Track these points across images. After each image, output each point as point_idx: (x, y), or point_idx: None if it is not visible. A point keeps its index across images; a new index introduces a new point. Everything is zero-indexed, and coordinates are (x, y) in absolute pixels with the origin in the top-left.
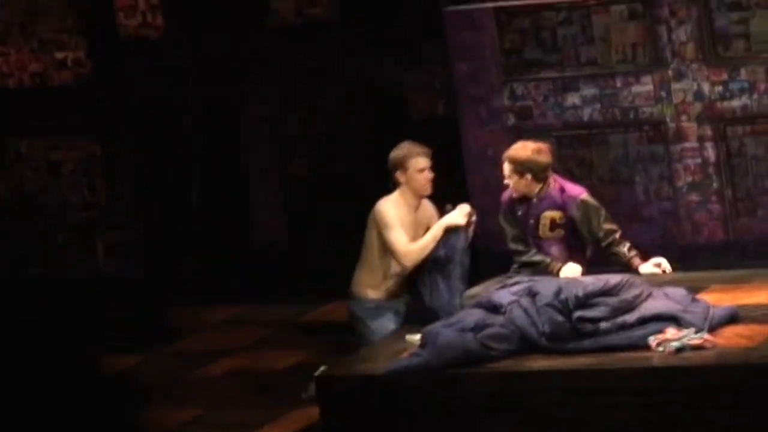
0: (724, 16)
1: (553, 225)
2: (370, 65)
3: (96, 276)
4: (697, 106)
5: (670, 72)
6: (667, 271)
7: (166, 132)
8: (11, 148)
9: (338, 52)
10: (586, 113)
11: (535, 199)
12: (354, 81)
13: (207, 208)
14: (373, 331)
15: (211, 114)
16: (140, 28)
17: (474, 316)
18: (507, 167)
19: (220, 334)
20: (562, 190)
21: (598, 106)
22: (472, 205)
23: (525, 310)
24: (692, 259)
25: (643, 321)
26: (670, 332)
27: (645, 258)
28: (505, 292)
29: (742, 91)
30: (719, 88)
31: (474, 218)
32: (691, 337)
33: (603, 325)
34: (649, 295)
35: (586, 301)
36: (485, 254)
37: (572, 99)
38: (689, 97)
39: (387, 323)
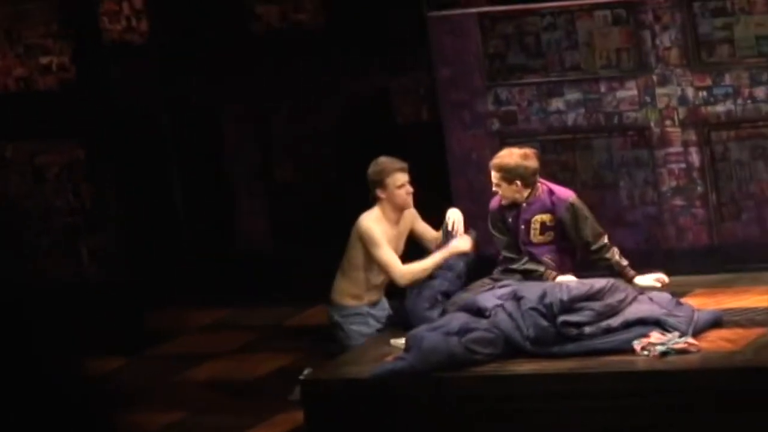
0: (708, 21)
1: (544, 228)
2: (355, 71)
3: (80, 280)
4: (682, 111)
5: (654, 77)
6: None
7: (150, 137)
8: None
9: (323, 57)
10: (570, 118)
11: (524, 205)
12: (339, 86)
13: (191, 213)
14: (352, 337)
15: (196, 119)
16: (124, 33)
17: (459, 320)
18: (495, 175)
19: (204, 337)
20: (551, 192)
21: (582, 111)
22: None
23: (510, 315)
24: (676, 263)
25: (628, 325)
26: (655, 336)
27: (631, 264)
28: (490, 295)
29: (726, 96)
30: (703, 93)
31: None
32: (675, 341)
33: (587, 329)
34: (634, 299)
35: (571, 305)
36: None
37: (556, 104)
38: (673, 102)
39: (367, 329)
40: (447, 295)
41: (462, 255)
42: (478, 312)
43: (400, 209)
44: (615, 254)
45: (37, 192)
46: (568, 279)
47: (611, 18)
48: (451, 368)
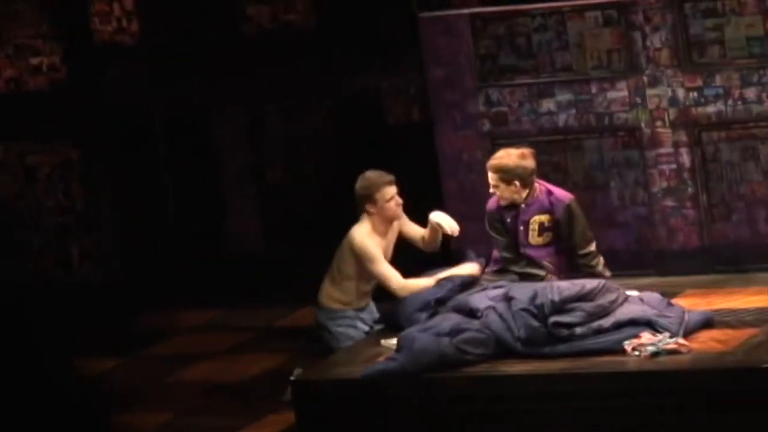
0: (698, 22)
1: (542, 229)
2: (346, 71)
3: (71, 280)
4: (672, 112)
5: (645, 78)
6: None
7: (141, 137)
8: None
9: (314, 58)
10: (561, 119)
11: (523, 205)
12: (330, 87)
13: (183, 214)
14: (339, 339)
15: (187, 120)
16: (115, 34)
17: (450, 320)
18: (493, 177)
19: (196, 338)
20: (550, 193)
21: (573, 111)
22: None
23: (500, 315)
24: (667, 264)
25: (619, 326)
26: (646, 337)
27: (622, 264)
28: (483, 296)
29: (716, 97)
30: (694, 94)
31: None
32: (666, 341)
33: (578, 329)
34: (625, 300)
35: (562, 306)
36: (460, 258)
37: (547, 105)
38: (664, 103)
39: (354, 331)
40: (440, 302)
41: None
42: (470, 313)
43: (390, 221)
44: (599, 264)
45: (28, 192)
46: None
47: (602, 19)
48: (442, 369)
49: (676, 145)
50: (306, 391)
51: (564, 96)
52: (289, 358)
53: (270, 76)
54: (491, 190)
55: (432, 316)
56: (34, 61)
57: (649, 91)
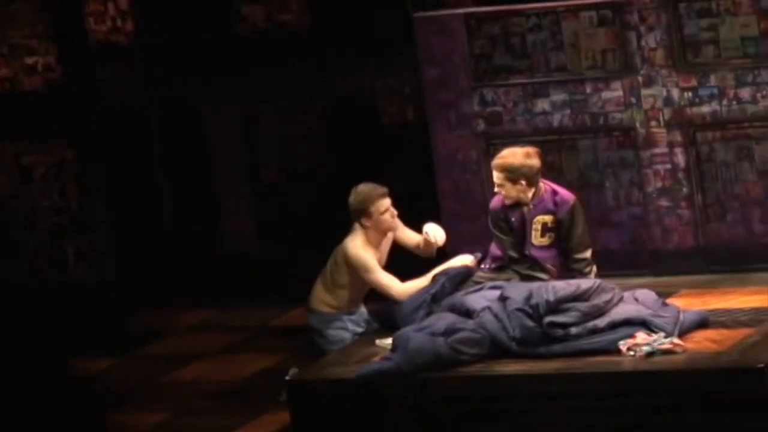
0: (693, 22)
1: (545, 229)
2: (340, 71)
3: (66, 280)
4: (667, 112)
5: (639, 78)
6: None
7: (136, 137)
8: None
9: (309, 58)
10: (555, 119)
11: (531, 205)
12: (324, 87)
13: (178, 214)
14: (331, 341)
15: (182, 119)
16: (110, 34)
17: (445, 320)
18: (498, 176)
19: (191, 338)
20: (555, 193)
21: (567, 111)
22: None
23: (496, 315)
24: (662, 264)
25: (614, 325)
26: (641, 337)
27: (617, 264)
28: (479, 296)
29: (711, 97)
30: (689, 94)
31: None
32: (661, 341)
33: (573, 329)
34: (620, 300)
35: (557, 306)
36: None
37: (542, 105)
38: (659, 103)
39: (346, 333)
40: (436, 298)
41: (462, 266)
42: (465, 312)
43: (385, 233)
44: (592, 273)
45: (23, 192)
46: None
47: (597, 19)
48: (437, 369)
49: (671, 145)
50: (301, 390)
51: (559, 96)
52: (284, 358)
53: (264, 75)
54: (496, 189)
55: (428, 315)
56: (29, 60)
57: (644, 91)
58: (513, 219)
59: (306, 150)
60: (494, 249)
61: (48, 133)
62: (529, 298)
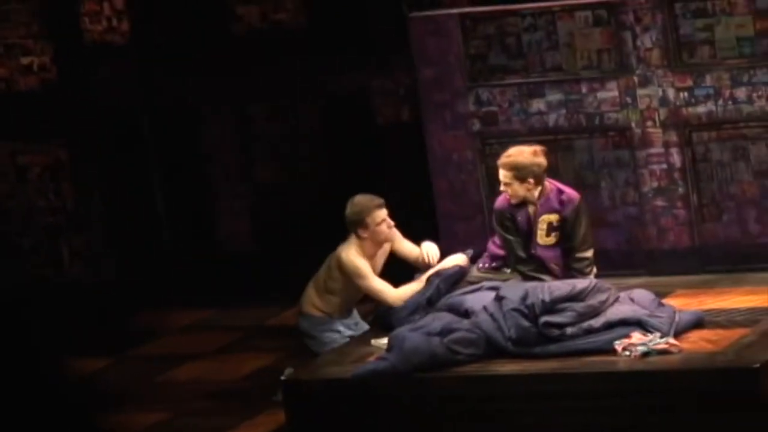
0: (689, 22)
1: (550, 229)
2: (335, 71)
3: (62, 280)
4: (663, 112)
5: (635, 78)
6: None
7: (132, 137)
8: None
9: (304, 57)
10: (551, 119)
11: (537, 204)
12: (319, 87)
13: (173, 214)
14: (323, 343)
15: (177, 119)
16: (105, 34)
17: (441, 320)
18: (506, 174)
19: (186, 338)
20: (560, 191)
21: (563, 111)
22: (437, 210)
23: (491, 315)
24: (657, 264)
25: (609, 325)
26: (636, 337)
27: (612, 264)
28: (477, 297)
29: (707, 97)
30: (684, 94)
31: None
32: (656, 341)
33: (569, 329)
34: (616, 300)
35: (553, 306)
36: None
37: (537, 105)
38: (654, 103)
39: (337, 335)
40: (431, 302)
41: (456, 266)
42: (466, 313)
43: (381, 244)
44: (591, 274)
45: (19, 192)
46: None
47: (592, 19)
48: (432, 368)
49: (667, 145)
50: (297, 390)
51: (554, 96)
52: (280, 358)
53: (260, 75)
54: (502, 188)
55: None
56: (25, 60)
57: (640, 91)
58: (519, 218)
59: (301, 150)
60: (494, 248)
61: (43, 133)
62: (524, 298)
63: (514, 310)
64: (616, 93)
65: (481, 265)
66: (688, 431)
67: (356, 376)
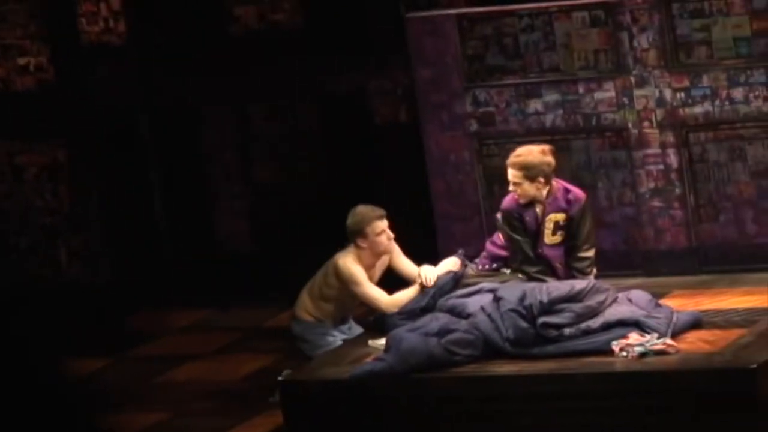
0: (686, 23)
1: (556, 228)
2: (332, 71)
3: (60, 281)
4: (660, 113)
5: (632, 78)
6: None
7: (129, 137)
8: None
9: (301, 58)
10: (548, 119)
11: (545, 203)
12: (317, 87)
13: (171, 214)
14: (317, 346)
15: (175, 120)
16: (102, 34)
17: (438, 320)
18: (516, 174)
19: (185, 338)
20: (567, 190)
21: (560, 112)
22: (435, 211)
23: (489, 316)
24: (655, 264)
25: (607, 326)
26: (634, 337)
27: (609, 265)
28: (474, 299)
29: (704, 97)
30: (681, 95)
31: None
32: (654, 342)
33: (567, 330)
34: (614, 301)
35: (551, 307)
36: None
37: (535, 105)
38: (651, 104)
39: (331, 339)
40: (426, 310)
41: (449, 272)
42: (459, 313)
43: (380, 256)
44: (592, 274)
45: (16, 192)
46: None
47: (589, 19)
48: (430, 369)
49: (664, 145)
50: (294, 391)
51: (551, 96)
52: (278, 359)
53: (257, 75)
54: (510, 188)
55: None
56: (22, 61)
57: (637, 92)
58: (527, 218)
59: (299, 150)
60: (493, 249)
61: (41, 134)
62: (522, 298)
63: (512, 310)
64: (613, 93)
65: (480, 266)
66: None
67: (354, 377)
